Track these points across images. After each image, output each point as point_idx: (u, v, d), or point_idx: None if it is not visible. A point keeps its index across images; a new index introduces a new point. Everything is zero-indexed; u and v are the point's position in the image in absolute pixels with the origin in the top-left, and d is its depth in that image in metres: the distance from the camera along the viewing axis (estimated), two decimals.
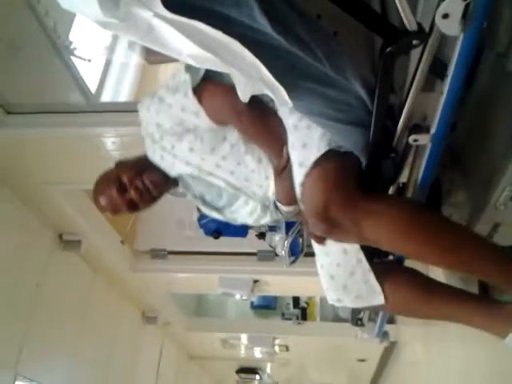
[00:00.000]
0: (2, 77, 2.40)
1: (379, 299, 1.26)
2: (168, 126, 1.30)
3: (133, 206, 1.42)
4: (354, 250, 1.25)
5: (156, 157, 1.39)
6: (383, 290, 1.25)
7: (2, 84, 2.35)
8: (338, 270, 1.28)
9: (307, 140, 1.13)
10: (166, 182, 1.46)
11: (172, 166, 1.38)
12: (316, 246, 1.39)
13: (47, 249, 3.17)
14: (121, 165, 1.47)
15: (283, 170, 1.22)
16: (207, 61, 0.96)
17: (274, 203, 1.38)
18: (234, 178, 1.34)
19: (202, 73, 1.22)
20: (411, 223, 1.10)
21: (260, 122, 1.22)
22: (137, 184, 1.38)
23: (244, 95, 1.08)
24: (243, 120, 1.22)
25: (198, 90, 1.22)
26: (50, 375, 3.21)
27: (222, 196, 1.47)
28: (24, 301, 2.93)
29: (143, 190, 1.40)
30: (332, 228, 1.10)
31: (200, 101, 1.22)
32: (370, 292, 1.26)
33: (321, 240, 1.30)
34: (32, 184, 2.75)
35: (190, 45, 0.93)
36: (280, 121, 1.23)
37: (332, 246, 1.30)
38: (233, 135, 1.30)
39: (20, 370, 2.85)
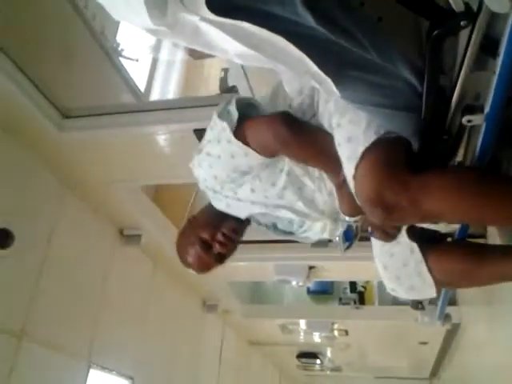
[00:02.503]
0: (56, 82, 2.51)
1: (431, 292, 1.27)
2: (225, 175, 1.32)
3: (221, 258, 1.49)
4: (406, 240, 1.25)
5: (222, 205, 1.42)
6: (432, 273, 1.25)
7: (57, 89, 2.46)
8: (391, 261, 1.30)
9: (352, 134, 1.12)
10: (242, 224, 1.51)
11: (239, 209, 1.42)
12: (373, 240, 1.40)
13: (110, 244, 3.31)
14: (195, 223, 1.52)
15: (344, 183, 1.20)
16: (253, 58, 0.98)
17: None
18: (300, 204, 1.34)
19: (235, 115, 1.24)
20: (470, 184, 1.08)
21: (307, 143, 1.22)
22: (219, 238, 1.44)
23: (291, 90, 1.09)
24: (291, 147, 1.22)
25: (238, 133, 1.24)
26: (120, 363, 3.38)
27: (293, 222, 1.50)
28: (92, 294, 3.09)
29: (226, 241, 1.45)
30: (389, 213, 1.06)
31: (244, 142, 1.24)
32: (423, 284, 1.27)
33: (392, 237, 1.29)
34: (93, 184, 2.88)
35: (236, 44, 0.96)
36: (326, 134, 1.22)
37: None
38: (285, 163, 1.30)
39: (93, 360, 3.02)
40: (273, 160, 1.30)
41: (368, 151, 1.09)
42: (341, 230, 1.88)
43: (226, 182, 1.34)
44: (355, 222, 1.35)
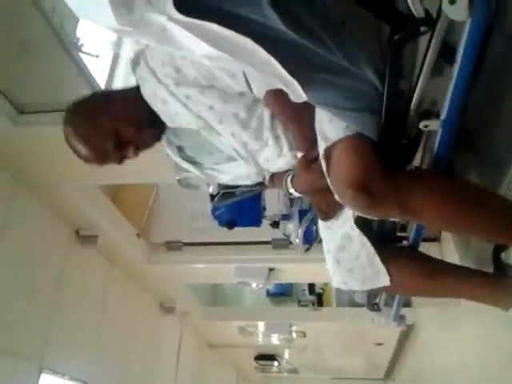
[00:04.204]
0: (13, 77, 2.43)
1: (384, 280, 1.28)
2: (192, 75, 1.17)
3: (122, 161, 1.34)
4: (357, 235, 1.28)
5: (156, 99, 1.25)
6: (389, 272, 1.27)
7: (13, 84, 2.38)
8: (343, 254, 1.31)
9: (333, 116, 1.10)
10: (161, 132, 1.35)
11: (175, 114, 1.25)
12: (323, 232, 1.41)
13: (65, 245, 3.22)
14: (114, 109, 1.29)
15: (312, 163, 1.19)
16: (221, 60, 0.97)
17: (271, 177, 1.36)
18: (244, 149, 1.27)
19: None
20: (452, 188, 1.11)
21: (298, 107, 1.14)
22: (137, 142, 1.29)
23: (259, 91, 1.09)
24: (283, 99, 1.12)
25: None
26: (74, 367, 3.29)
27: (213, 155, 1.39)
28: (45, 296, 3.00)
29: (142, 147, 1.31)
30: (374, 201, 1.03)
31: None
32: (375, 274, 1.28)
33: (326, 216, 1.32)
34: (48, 182, 2.79)
35: (203, 46, 0.95)
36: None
37: (338, 230, 1.32)
38: (261, 107, 1.22)
39: (45, 364, 2.92)
40: (249, 95, 1.21)
41: (350, 137, 1.07)
42: (301, 232, 1.90)
43: (188, 82, 1.18)
44: (294, 196, 1.33)
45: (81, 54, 3.22)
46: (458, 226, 1.16)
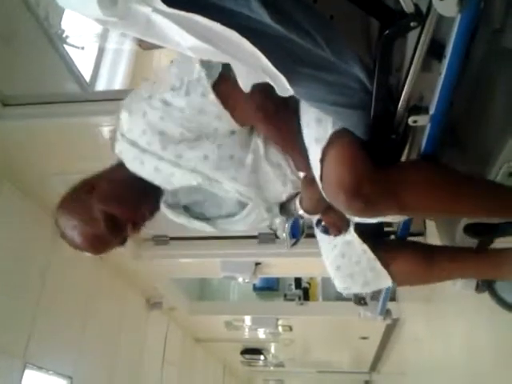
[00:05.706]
0: None
1: (387, 282, 1.30)
2: (177, 132, 1.13)
3: (125, 241, 1.28)
4: (357, 241, 1.28)
5: (146, 168, 1.20)
6: (389, 270, 1.28)
7: None
8: (343, 261, 1.32)
9: (321, 115, 1.09)
10: (158, 199, 1.30)
11: (170, 176, 1.21)
12: (321, 239, 1.42)
13: (49, 239, 3.18)
14: (101, 192, 1.24)
15: (314, 180, 1.14)
16: (206, 52, 0.96)
17: (281, 207, 1.32)
18: (247, 188, 1.23)
19: (219, 69, 1.10)
20: (445, 179, 1.12)
21: (290, 126, 1.13)
22: (137, 220, 1.24)
23: (246, 84, 1.08)
24: (272, 123, 1.12)
25: (217, 89, 1.09)
26: (59, 363, 3.26)
27: (222, 207, 1.35)
28: (30, 290, 2.97)
29: (141, 223, 1.26)
30: (369, 204, 1.02)
31: (222, 101, 1.10)
32: (377, 277, 1.30)
33: (339, 231, 1.32)
34: (33, 175, 2.76)
35: (189, 37, 0.94)
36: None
37: (337, 238, 1.33)
38: (251, 139, 1.20)
39: (29, 359, 2.89)
40: (241, 131, 1.18)
41: (338, 135, 1.06)
42: (287, 226, 1.90)
43: (174, 141, 1.14)
44: (308, 219, 1.32)
45: (66, 46, 3.17)
46: (459, 210, 1.17)
